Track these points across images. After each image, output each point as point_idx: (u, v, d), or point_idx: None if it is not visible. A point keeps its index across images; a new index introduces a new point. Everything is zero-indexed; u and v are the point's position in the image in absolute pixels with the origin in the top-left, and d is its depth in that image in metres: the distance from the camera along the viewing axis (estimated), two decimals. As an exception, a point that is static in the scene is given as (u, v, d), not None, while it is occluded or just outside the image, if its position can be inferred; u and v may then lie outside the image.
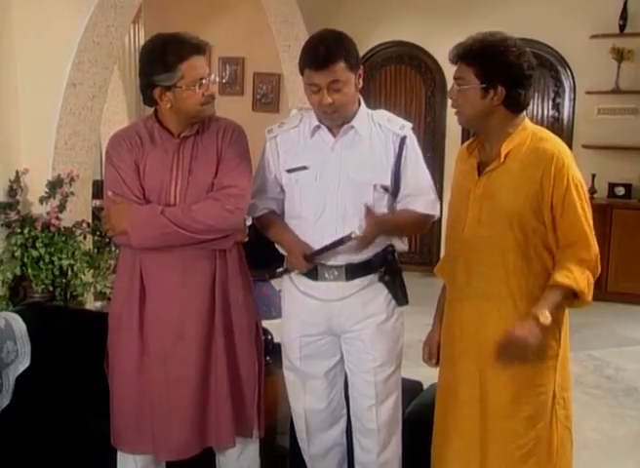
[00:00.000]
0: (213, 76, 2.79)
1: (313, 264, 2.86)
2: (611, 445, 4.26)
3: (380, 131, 2.89)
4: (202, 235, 2.71)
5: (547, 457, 2.59)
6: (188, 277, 2.78)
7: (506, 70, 2.46)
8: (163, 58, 2.68)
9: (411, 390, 3.37)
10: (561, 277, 2.44)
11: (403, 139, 2.88)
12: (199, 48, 2.73)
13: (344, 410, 3.11)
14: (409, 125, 2.93)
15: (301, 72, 2.79)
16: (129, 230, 2.71)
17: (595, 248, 2.49)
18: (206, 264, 2.80)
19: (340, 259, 2.86)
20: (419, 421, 3.07)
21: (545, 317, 2.40)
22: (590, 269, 2.48)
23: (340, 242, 2.77)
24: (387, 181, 2.87)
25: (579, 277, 2.44)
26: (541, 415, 2.56)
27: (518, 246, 2.50)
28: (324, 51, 2.70)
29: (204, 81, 2.73)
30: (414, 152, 2.92)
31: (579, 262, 2.46)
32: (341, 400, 3.09)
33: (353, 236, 2.72)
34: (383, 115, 2.94)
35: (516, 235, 2.49)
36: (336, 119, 2.82)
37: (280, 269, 2.99)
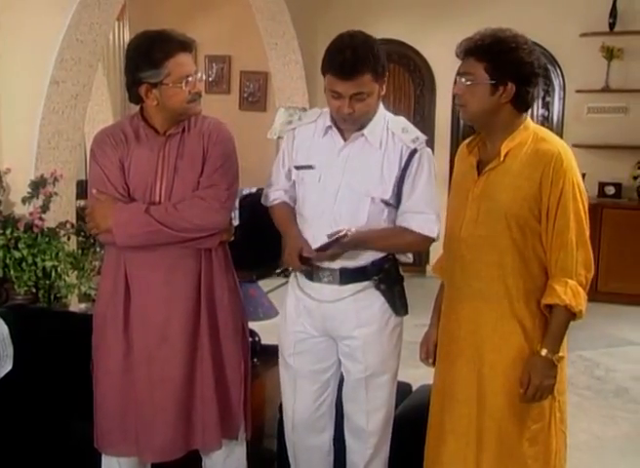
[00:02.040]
0: (199, 74, 2.77)
1: (309, 267, 2.81)
2: (601, 446, 4.26)
3: (392, 140, 2.80)
4: (187, 234, 2.71)
5: (545, 461, 2.57)
6: (173, 276, 2.77)
7: (517, 67, 2.44)
8: (149, 54, 2.68)
9: (400, 392, 3.36)
10: (545, 298, 2.48)
11: (412, 153, 2.78)
12: (186, 45, 2.73)
13: (334, 418, 3.07)
14: (423, 138, 2.83)
15: (323, 74, 2.72)
16: (113, 228, 2.70)
17: (581, 256, 2.47)
18: (191, 263, 2.79)
19: (335, 263, 2.82)
20: (408, 423, 3.06)
21: (553, 354, 2.47)
22: (576, 279, 2.46)
23: (331, 244, 2.70)
24: (388, 195, 2.79)
25: (561, 292, 2.44)
26: (539, 417, 2.55)
27: (516, 246, 2.49)
28: (352, 58, 2.60)
29: (190, 78, 2.72)
30: (421, 167, 2.80)
31: (561, 273, 2.46)
32: (332, 406, 3.06)
33: (342, 233, 2.65)
34: (399, 124, 2.84)
35: (514, 235, 2.49)
36: (352, 126, 2.77)
37: (279, 269, 2.99)
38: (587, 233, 2.49)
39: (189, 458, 2.89)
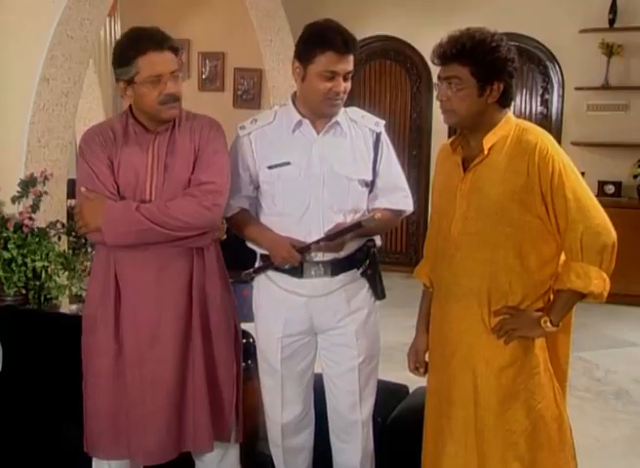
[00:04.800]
0: (180, 75, 2.72)
1: (304, 257, 2.82)
2: (601, 449, 4.21)
3: (357, 127, 2.95)
4: (178, 232, 2.67)
5: (558, 436, 2.61)
6: (164, 276, 2.74)
7: (501, 66, 2.47)
8: (122, 51, 2.68)
9: (396, 393, 3.40)
10: (558, 283, 2.48)
11: (378, 136, 2.94)
12: (160, 43, 2.67)
13: (314, 413, 3.11)
14: (382, 122, 2.98)
15: (312, 58, 2.74)
16: (102, 227, 2.66)
17: (588, 233, 2.43)
18: (183, 263, 2.76)
19: (326, 255, 2.84)
20: (406, 425, 3.07)
21: (547, 326, 2.47)
22: (587, 260, 2.43)
23: (358, 225, 2.76)
24: (369, 177, 2.92)
25: (564, 276, 2.45)
26: (539, 396, 2.54)
27: (509, 241, 2.49)
28: (348, 37, 2.74)
29: (162, 79, 2.66)
30: (388, 148, 2.98)
31: (569, 256, 2.46)
32: (312, 403, 3.10)
33: (376, 216, 2.75)
34: (357, 112, 2.98)
35: (506, 229, 2.48)
36: (337, 108, 2.83)
37: (261, 265, 2.94)
38: (594, 203, 2.47)
39: (182, 461, 2.88)
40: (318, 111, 2.83)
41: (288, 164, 2.83)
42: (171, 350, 2.76)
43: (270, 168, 2.85)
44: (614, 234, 2.46)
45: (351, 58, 2.75)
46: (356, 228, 2.77)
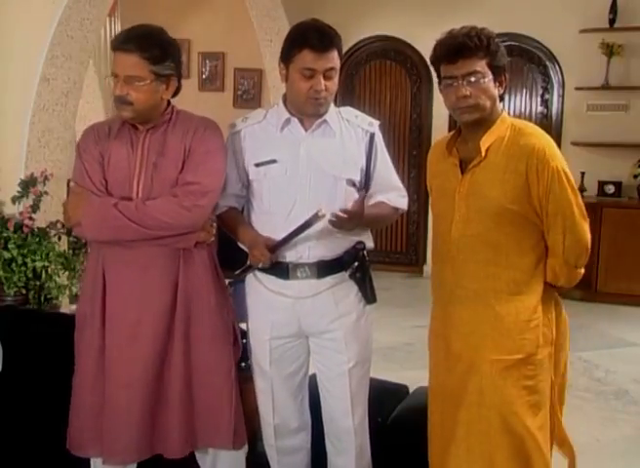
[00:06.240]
0: (144, 83, 2.66)
1: (276, 257, 2.80)
2: (601, 449, 4.20)
3: (349, 126, 2.91)
4: (156, 231, 2.66)
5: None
6: (149, 275, 2.73)
7: (504, 58, 2.54)
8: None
9: (396, 393, 3.38)
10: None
11: (372, 136, 2.91)
12: (125, 45, 2.65)
13: (309, 415, 3.10)
14: (377, 122, 2.97)
15: (291, 57, 2.75)
16: (82, 221, 2.67)
17: (569, 240, 2.51)
18: (167, 263, 2.75)
19: (312, 256, 2.82)
20: (406, 425, 3.08)
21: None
22: (563, 258, 2.53)
23: (307, 225, 2.71)
24: (358, 177, 2.88)
25: (550, 274, 2.56)
26: (544, 397, 2.57)
27: (510, 240, 2.51)
28: (325, 33, 2.74)
29: (117, 79, 2.67)
30: (382, 149, 2.97)
31: (550, 253, 2.54)
32: (307, 405, 3.08)
33: (320, 214, 2.66)
34: (351, 112, 2.97)
35: (507, 230, 2.50)
36: (322, 108, 2.80)
37: (243, 267, 2.93)
38: (582, 210, 2.53)
39: (185, 461, 2.87)
40: (303, 111, 2.82)
41: (274, 162, 2.82)
42: (148, 350, 2.74)
43: (257, 165, 2.85)
44: (589, 240, 2.56)
45: (331, 55, 2.72)
46: (306, 228, 2.72)
